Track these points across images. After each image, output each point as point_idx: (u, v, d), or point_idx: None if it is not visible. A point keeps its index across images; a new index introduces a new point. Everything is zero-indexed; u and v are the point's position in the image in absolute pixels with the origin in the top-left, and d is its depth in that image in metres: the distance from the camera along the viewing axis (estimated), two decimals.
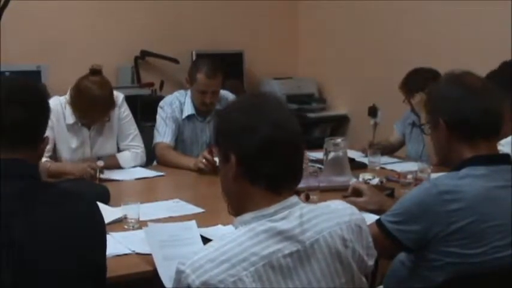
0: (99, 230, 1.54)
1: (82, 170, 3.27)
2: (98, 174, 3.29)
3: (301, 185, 1.64)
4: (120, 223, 2.50)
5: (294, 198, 1.54)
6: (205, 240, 2.22)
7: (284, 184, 1.54)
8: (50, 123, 3.34)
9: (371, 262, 1.59)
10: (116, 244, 2.25)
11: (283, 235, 1.46)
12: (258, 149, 1.50)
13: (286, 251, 1.45)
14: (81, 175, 3.25)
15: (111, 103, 3.46)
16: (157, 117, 3.92)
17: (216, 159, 3.43)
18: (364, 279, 1.57)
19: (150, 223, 2.32)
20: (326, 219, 1.53)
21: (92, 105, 3.39)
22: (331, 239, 1.51)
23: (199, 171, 3.51)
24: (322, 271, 1.48)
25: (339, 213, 1.57)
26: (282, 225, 1.47)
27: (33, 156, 1.57)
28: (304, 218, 1.50)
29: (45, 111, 1.60)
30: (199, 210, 2.77)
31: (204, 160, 3.48)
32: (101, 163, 3.45)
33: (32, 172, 1.54)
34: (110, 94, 3.44)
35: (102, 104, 3.40)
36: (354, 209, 1.62)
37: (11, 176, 1.46)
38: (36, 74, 4.83)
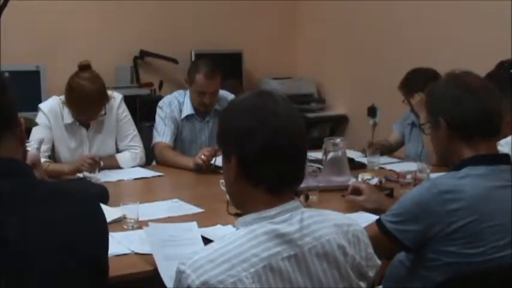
0: (97, 228, 1.53)
1: (78, 166, 3.28)
2: (97, 166, 3.30)
3: (301, 185, 1.63)
4: (119, 223, 2.50)
5: (295, 202, 1.53)
6: (205, 240, 2.23)
7: (285, 187, 1.53)
8: (48, 123, 3.46)
9: (371, 273, 1.57)
10: (115, 244, 2.24)
11: (284, 238, 1.46)
12: (258, 153, 1.49)
13: (285, 254, 1.45)
14: (79, 171, 3.26)
15: (104, 96, 3.47)
16: (156, 117, 3.92)
17: (214, 160, 3.48)
18: (364, 286, 1.56)
19: (150, 223, 2.32)
20: (325, 226, 1.52)
21: (85, 101, 3.40)
22: (329, 246, 1.50)
23: (196, 166, 3.51)
24: (318, 277, 1.48)
25: (339, 222, 1.56)
26: (283, 228, 1.47)
27: (16, 140, 1.54)
28: (304, 223, 1.50)
29: (8, 90, 1.56)
30: (198, 210, 2.77)
31: (203, 156, 3.48)
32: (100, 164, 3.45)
33: (24, 170, 1.53)
34: (102, 87, 3.45)
35: (95, 97, 3.41)
36: (353, 220, 1.62)
37: (2, 174, 1.45)
38: (35, 74, 4.84)
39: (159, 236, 2.19)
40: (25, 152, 1.63)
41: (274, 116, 1.51)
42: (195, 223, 2.35)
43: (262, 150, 1.49)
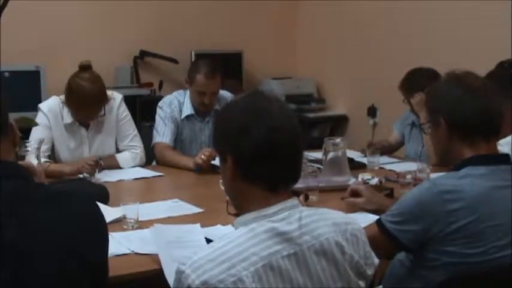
0: (97, 228, 1.53)
1: (79, 168, 3.29)
2: (97, 167, 3.31)
3: (300, 185, 1.63)
4: (119, 223, 2.50)
5: (294, 200, 1.54)
6: (205, 240, 2.23)
7: (282, 185, 1.54)
8: (48, 123, 3.46)
9: (370, 272, 1.58)
10: (115, 244, 2.24)
11: (283, 236, 1.46)
12: (253, 152, 1.50)
13: (285, 253, 1.45)
14: (79, 172, 3.27)
15: (103, 97, 3.48)
16: (156, 117, 3.92)
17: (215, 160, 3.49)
18: (362, 285, 1.56)
19: (156, 224, 2.33)
20: (324, 225, 1.53)
21: (84, 101, 3.40)
22: (328, 245, 1.50)
23: (196, 166, 3.51)
24: (317, 276, 1.48)
25: (337, 220, 1.56)
26: (282, 226, 1.47)
27: (10, 142, 1.54)
28: (303, 222, 1.50)
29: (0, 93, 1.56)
30: (198, 210, 2.77)
31: (203, 156, 3.48)
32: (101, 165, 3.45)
33: (23, 172, 1.53)
34: (102, 88, 3.45)
35: (94, 98, 3.42)
36: (352, 219, 1.62)
37: (1, 175, 1.44)
38: (35, 74, 4.84)
39: (165, 237, 2.19)
40: (17, 153, 1.62)
41: (268, 115, 1.52)
42: (198, 225, 2.36)
43: (257, 149, 1.50)
